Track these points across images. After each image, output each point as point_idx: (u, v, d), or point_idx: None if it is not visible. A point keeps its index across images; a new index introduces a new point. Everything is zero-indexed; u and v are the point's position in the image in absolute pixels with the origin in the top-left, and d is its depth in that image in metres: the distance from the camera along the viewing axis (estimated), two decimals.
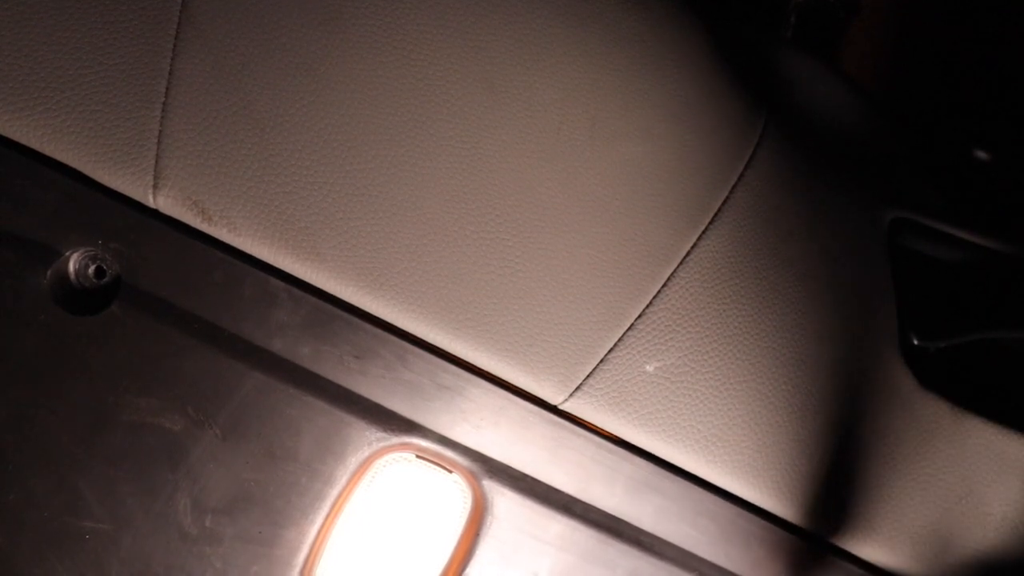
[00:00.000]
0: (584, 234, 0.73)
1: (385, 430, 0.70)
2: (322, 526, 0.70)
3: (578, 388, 0.72)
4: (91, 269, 0.65)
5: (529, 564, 0.73)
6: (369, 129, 0.69)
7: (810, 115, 0.99)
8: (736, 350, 0.76)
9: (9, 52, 0.63)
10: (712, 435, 0.74)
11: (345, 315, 0.69)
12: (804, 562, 0.77)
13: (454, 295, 0.70)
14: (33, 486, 0.65)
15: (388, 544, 0.72)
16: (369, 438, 0.70)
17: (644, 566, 0.74)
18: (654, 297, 0.75)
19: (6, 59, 0.63)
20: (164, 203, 0.66)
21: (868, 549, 0.78)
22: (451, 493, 0.72)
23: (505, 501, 0.72)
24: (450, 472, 0.72)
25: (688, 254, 0.76)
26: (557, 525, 0.73)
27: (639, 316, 0.74)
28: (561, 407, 0.73)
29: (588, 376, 0.72)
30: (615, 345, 0.73)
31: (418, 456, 0.72)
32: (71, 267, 0.65)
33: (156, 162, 0.65)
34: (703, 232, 0.77)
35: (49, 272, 0.65)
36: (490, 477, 0.72)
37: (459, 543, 0.72)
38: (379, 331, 0.69)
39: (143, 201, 0.66)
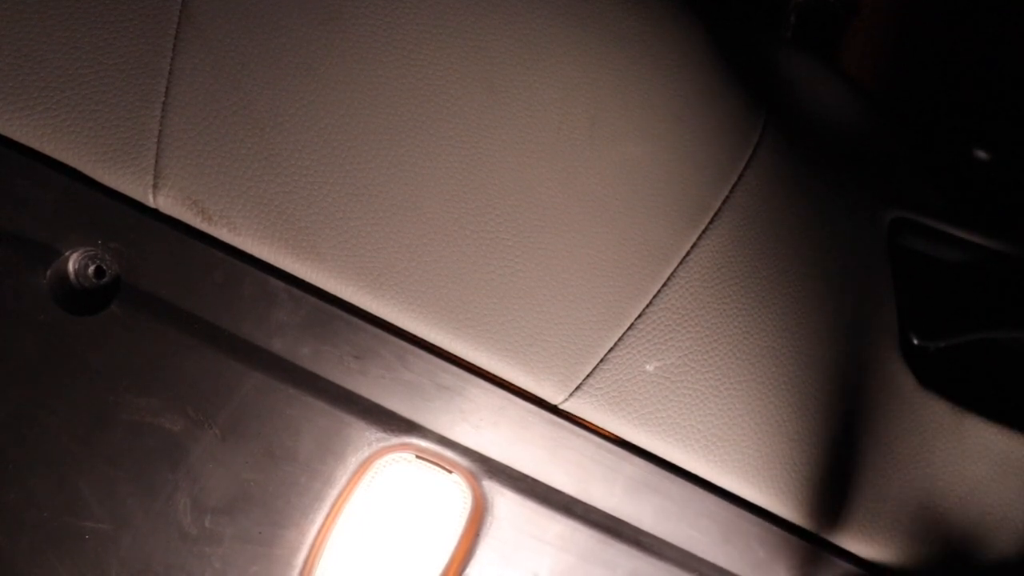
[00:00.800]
0: (584, 234, 0.73)
1: (385, 430, 0.70)
2: (322, 526, 0.70)
3: (578, 388, 0.72)
4: (91, 269, 0.65)
5: (529, 564, 0.73)
6: (369, 129, 0.69)
7: (810, 115, 0.99)
8: (736, 350, 0.76)
9: (9, 51, 0.63)
10: (712, 435, 0.74)
11: (345, 315, 0.69)
12: (804, 562, 0.77)
13: (454, 295, 0.70)
14: (33, 486, 0.65)
15: (388, 544, 0.72)
16: (369, 438, 0.70)
17: (644, 566, 0.74)
18: (654, 297, 0.75)
19: (6, 58, 0.63)
20: (164, 203, 0.66)
21: (868, 548, 0.78)
22: (451, 493, 0.72)
23: (505, 501, 0.72)
24: (450, 472, 0.72)
25: (688, 254, 0.76)
26: (557, 525, 0.73)
27: (639, 316, 0.74)
28: (561, 407, 0.73)
29: (588, 376, 0.72)
30: (615, 345, 0.73)
31: (418, 456, 0.72)
32: (71, 267, 0.65)
33: (156, 162, 0.65)
34: (703, 232, 0.77)
35: (49, 272, 0.65)
36: (490, 477, 0.72)
37: (459, 543, 0.72)
38: (379, 331, 0.69)
39: (143, 201, 0.66)
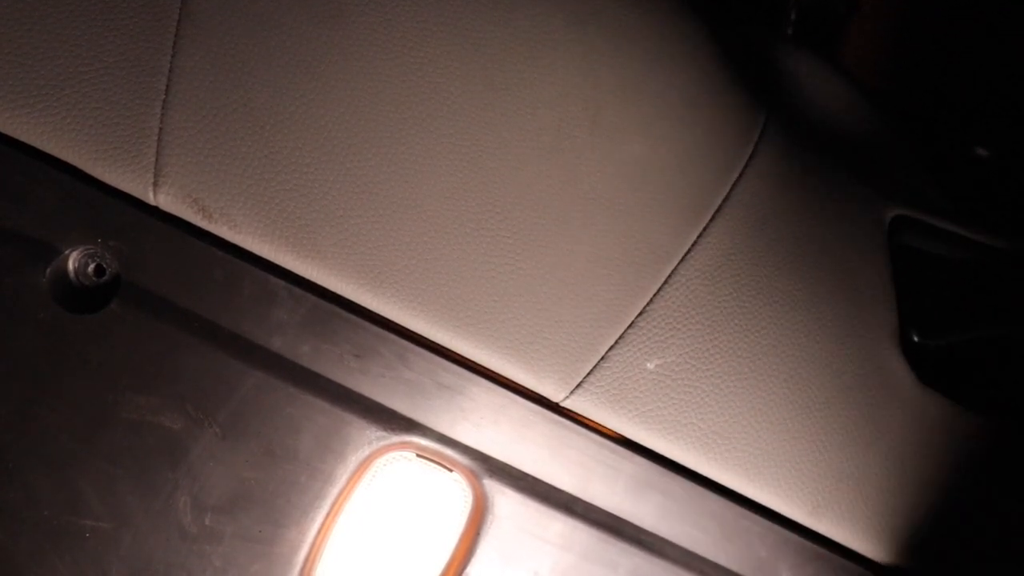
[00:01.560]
0: (585, 231, 0.73)
1: (385, 429, 0.70)
2: (322, 525, 0.70)
3: (579, 386, 0.72)
4: (91, 267, 0.64)
5: (530, 563, 0.73)
6: (370, 126, 0.69)
7: (811, 112, 0.99)
8: (736, 347, 0.76)
9: (9, 49, 0.63)
10: (713, 432, 0.74)
11: (345, 313, 0.69)
12: (806, 560, 0.77)
13: (454, 293, 0.70)
14: (33, 484, 0.65)
15: (389, 543, 0.72)
16: (369, 437, 0.70)
17: (645, 565, 0.74)
18: (655, 295, 0.74)
19: (6, 56, 0.63)
20: (164, 201, 0.66)
21: (869, 545, 0.78)
22: (452, 492, 0.72)
23: (506, 500, 0.72)
24: (451, 471, 0.72)
25: (689, 252, 0.76)
26: (558, 524, 0.73)
27: (640, 314, 0.74)
28: (562, 405, 0.73)
29: (589, 374, 0.72)
30: (616, 343, 0.73)
31: (418, 455, 0.72)
32: (71, 265, 0.65)
33: (156, 159, 0.65)
34: (704, 230, 0.77)
35: (48, 270, 0.64)
36: (491, 476, 0.72)
37: (460, 542, 0.72)
38: (379, 329, 0.69)
39: (143, 199, 0.66)
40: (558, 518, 0.73)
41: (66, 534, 0.66)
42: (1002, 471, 0.82)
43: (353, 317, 0.69)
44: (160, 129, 0.65)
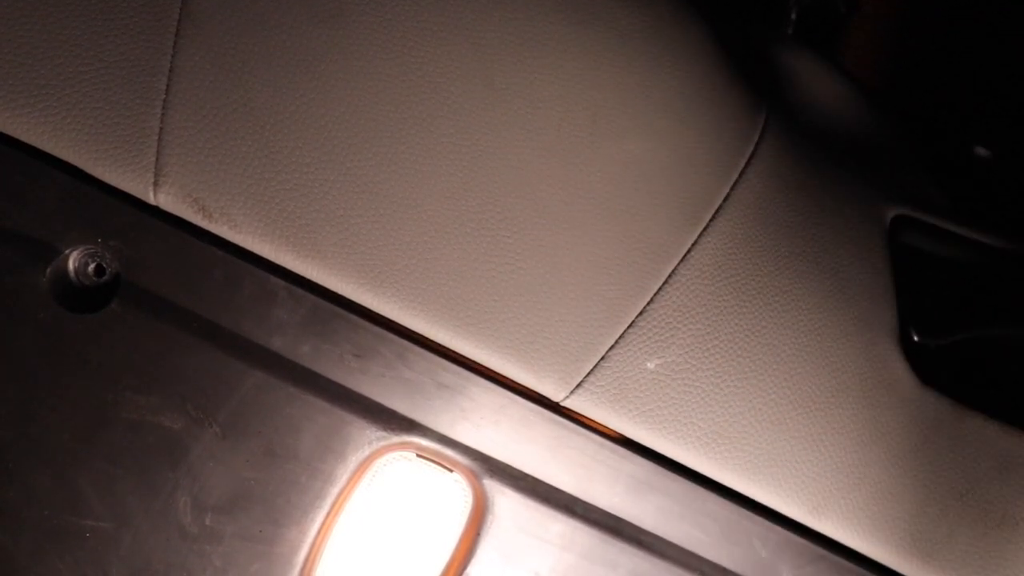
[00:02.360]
0: (585, 231, 0.73)
1: (385, 429, 0.70)
2: (322, 525, 0.70)
3: (579, 385, 0.72)
4: (91, 267, 0.64)
5: (530, 563, 0.73)
6: (370, 126, 0.69)
7: (811, 112, 0.99)
8: (737, 347, 0.76)
9: (9, 49, 0.63)
10: (713, 431, 0.74)
11: (345, 313, 0.69)
12: (806, 560, 0.77)
13: (454, 292, 0.70)
14: (33, 484, 0.65)
15: (389, 543, 0.72)
16: (369, 437, 0.70)
17: (646, 565, 0.74)
18: (655, 294, 0.74)
19: (5, 56, 0.63)
20: (164, 200, 0.66)
21: (868, 546, 0.78)
22: (452, 492, 0.72)
23: (506, 500, 0.72)
24: (451, 471, 0.72)
25: (689, 251, 0.76)
26: (558, 524, 0.73)
27: (640, 313, 0.74)
28: (562, 405, 0.73)
29: (589, 373, 0.72)
30: (616, 342, 0.73)
31: (419, 455, 0.71)
32: (71, 265, 0.65)
33: (156, 159, 0.65)
34: (704, 229, 0.77)
35: (49, 270, 0.64)
36: (491, 476, 0.72)
37: (460, 542, 0.72)
38: (379, 329, 0.69)
39: (143, 198, 0.66)
40: (558, 518, 0.73)
41: (66, 534, 0.66)
42: (1002, 471, 0.82)
43: (353, 317, 0.69)
44: (160, 129, 0.65)
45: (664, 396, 0.74)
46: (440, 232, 0.70)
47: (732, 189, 0.79)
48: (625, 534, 0.74)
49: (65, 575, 0.66)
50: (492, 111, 0.71)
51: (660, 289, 0.75)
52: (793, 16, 1.35)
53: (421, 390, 0.70)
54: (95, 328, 0.65)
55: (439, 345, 0.70)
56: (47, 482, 0.65)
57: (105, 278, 0.65)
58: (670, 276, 0.75)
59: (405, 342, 0.70)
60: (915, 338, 0.87)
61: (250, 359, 0.68)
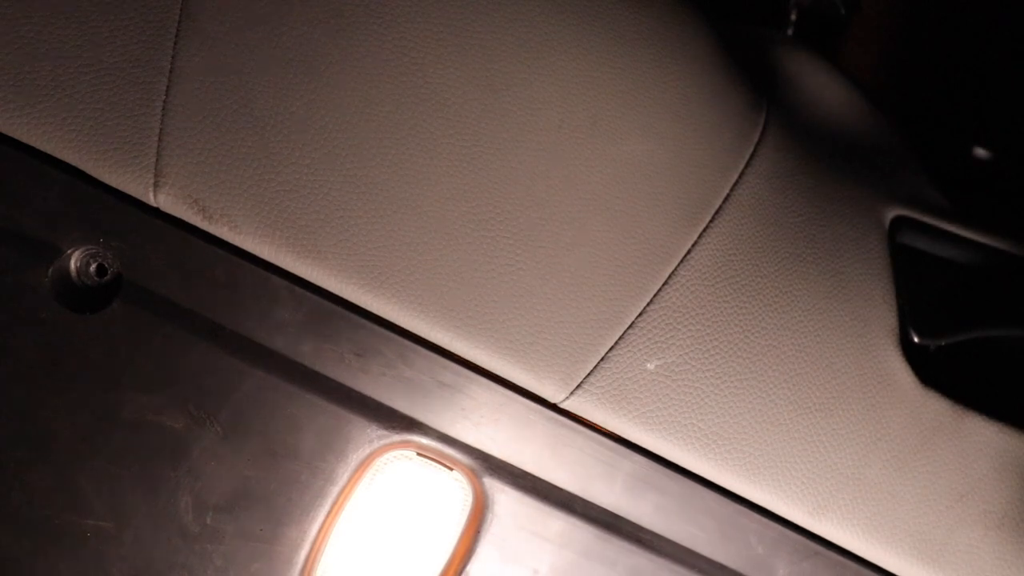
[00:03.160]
0: (585, 232, 0.73)
1: (386, 428, 0.70)
2: (323, 523, 0.70)
3: (579, 386, 0.72)
4: (92, 267, 0.65)
5: (530, 561, 0.73)
6: (370, 127, 0.69)
7: (811, 113, 0.99)
8: (736, 348, 0.76)
9: (9, 50, 0.63)
10: (712, 433, 0.74)
11: (346, 313, 0.69)
12: (802, 557, 0.77)
13: (455, 293, 0.70)
14: (35, 484, 0.65)
15: (389, 541, 0.72)
16: (370, 436, 0.70)
17: (644, 563, 0.74)
18: (655, 295, 0.75)
19: (6, 57, 0.63)
20: (165, 201, 0.66)
21: (867, 547, 0.78)
22: (452, 491, 0.72)
23: (506, 499, 0.72)
24: (451, 470, 0.72)
25: (689, 252, 0.76)
26: (557, 522, 0.73)
27: (640, 314, 0.74)
28: (562, 405, 0.73)
29: (589, 374, 0.72)
30: (616, 343, 0.73)
31: (419, 454, 0.72)
32: (72, 265, 0.65)
33: (157, 160, 0.65)
34: (704, 230, 0.77)
35: (50, 270, 0.65)
36: (491, 475, 0.72)
37: (460, 540, 0.72)
38: (380, 329, 0.69)
39: (144, 199, 0.66)
40: (558, 516, 0.73)
41: (67, 534, 0.66)
42: (1002, 472, 0.82)
43: (354, 317, 0.69)
44: (160, 130, 0.65)
45: (664, 397, 0.74)
46: (440, 234, 0.70)
47: (732, 190, 0.79)
48: (624, 532, 0.74)
49: (66, 575, 0.66)
50: (492, 112, 0.71)
51: (660, 290, 0.75)
52: (793, 17, 1.35)
53: (421, 389, 0.70)
54: (97, 328, 0.65)
55: (440, 345, 0.70)
56: (48, 482, 0.66)
57: (107, 278, 0.65)
58: (670, 277, 0.75)
59: (406, 341, 0.70)
60: (915, 339, 0.87)
61: (251, 358, 0.68)
